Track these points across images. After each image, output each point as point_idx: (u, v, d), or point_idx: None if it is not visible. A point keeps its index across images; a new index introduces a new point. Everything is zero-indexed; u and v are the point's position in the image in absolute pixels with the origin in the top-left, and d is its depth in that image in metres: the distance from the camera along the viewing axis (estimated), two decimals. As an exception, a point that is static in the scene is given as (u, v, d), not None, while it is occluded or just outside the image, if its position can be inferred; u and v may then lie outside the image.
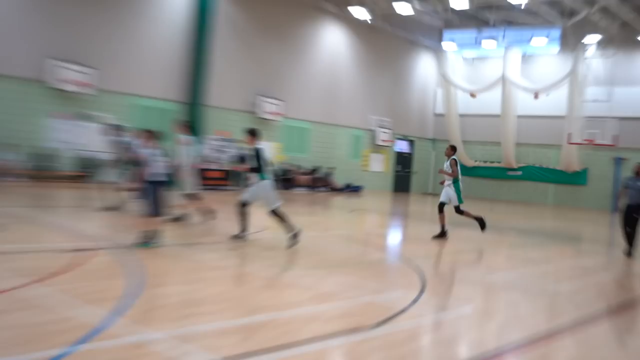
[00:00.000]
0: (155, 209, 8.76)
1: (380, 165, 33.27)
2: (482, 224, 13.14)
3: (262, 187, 10.45)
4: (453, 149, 13.46)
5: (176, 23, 23.60)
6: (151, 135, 8.98)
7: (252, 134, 11.16)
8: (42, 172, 19.72)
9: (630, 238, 12.16)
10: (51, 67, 20.08)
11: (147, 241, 8.60)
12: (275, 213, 10.37)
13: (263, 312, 5.92)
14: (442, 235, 12.79)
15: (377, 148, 32.88)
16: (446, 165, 13.04)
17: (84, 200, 15.72)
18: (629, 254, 12.06)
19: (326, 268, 8.68)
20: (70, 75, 20.37)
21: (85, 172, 21.16)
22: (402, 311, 6.35)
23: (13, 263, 7.26)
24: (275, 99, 26.88)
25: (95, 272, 7.10)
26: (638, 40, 29.04)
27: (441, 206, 12.88)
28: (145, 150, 8.91)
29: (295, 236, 10.11)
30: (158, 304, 5.91)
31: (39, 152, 19.99)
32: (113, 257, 8.07)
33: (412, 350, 5.11)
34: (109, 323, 5.04)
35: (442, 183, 13.33)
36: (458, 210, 12.94)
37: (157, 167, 8.68)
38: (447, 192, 12.88)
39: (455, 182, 12.85)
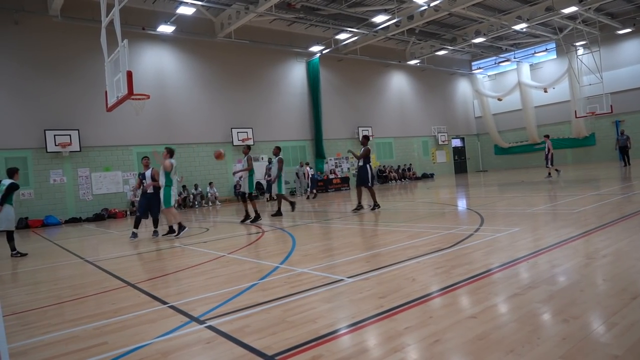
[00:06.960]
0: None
1: (443, 157, 32.07)
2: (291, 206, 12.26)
3: None
4: (278, 149, 11.96)
5: (298, 90, 24.19)
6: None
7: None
8: (230, 197, 20.90)
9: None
10: (232, 133, 21.38)
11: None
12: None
13: (376, 248, 5.88)
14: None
15: (440, 146, 31.78)
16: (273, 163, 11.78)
17: (267, 209, 16.32)
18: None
19: (416, 220, 8.47)
20: (241, 136, 21.55)
21: (258, 191, 22.17)
22: (468, 237, 6.09)
23: (221, 244, 7.69)
24: (368, 126, 26.79)
25: (266, 243, 7.38)
26: (615, 34, 26.18)
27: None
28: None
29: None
30: (306, 253, 6.04)
31: (227, 185, 21.21)
32: (275, 234, 8.36)
33: (474, 257, 4.85)
34: (278, 267, 5.26)
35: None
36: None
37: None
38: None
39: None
